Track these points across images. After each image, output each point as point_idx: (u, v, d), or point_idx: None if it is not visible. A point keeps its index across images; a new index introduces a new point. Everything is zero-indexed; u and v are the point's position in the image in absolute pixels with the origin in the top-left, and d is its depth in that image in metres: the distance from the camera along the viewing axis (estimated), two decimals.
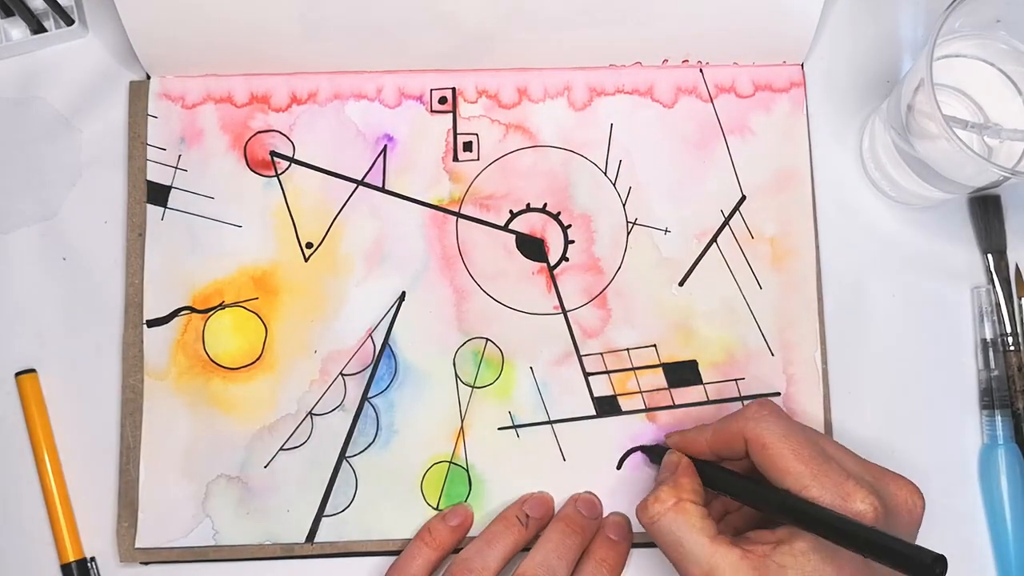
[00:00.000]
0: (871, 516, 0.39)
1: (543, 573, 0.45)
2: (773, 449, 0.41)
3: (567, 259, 0.51)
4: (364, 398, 0.50)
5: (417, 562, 0.47)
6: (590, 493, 0.49)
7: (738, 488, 0.44)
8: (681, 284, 0.51)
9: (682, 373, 0.50)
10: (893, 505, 0.41)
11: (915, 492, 0.42)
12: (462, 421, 0.50)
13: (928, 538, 0.49)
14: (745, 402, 0.50)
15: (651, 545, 0.49)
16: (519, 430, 0.50)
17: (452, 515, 0.48)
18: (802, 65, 0.52)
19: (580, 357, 0.50)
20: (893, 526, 0.41)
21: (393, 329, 0.50)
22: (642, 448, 0.49)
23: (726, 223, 0.51)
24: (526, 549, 0.47)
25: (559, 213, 0.51)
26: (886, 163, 0.50)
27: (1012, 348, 0.50)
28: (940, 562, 0.35)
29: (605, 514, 0.49)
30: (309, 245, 0.51)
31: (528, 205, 0.51)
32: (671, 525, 0.41)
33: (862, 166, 0.52)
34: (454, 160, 0.52)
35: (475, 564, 0.45)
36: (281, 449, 0.49)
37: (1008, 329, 0.50)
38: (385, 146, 0.52)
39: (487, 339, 0.50)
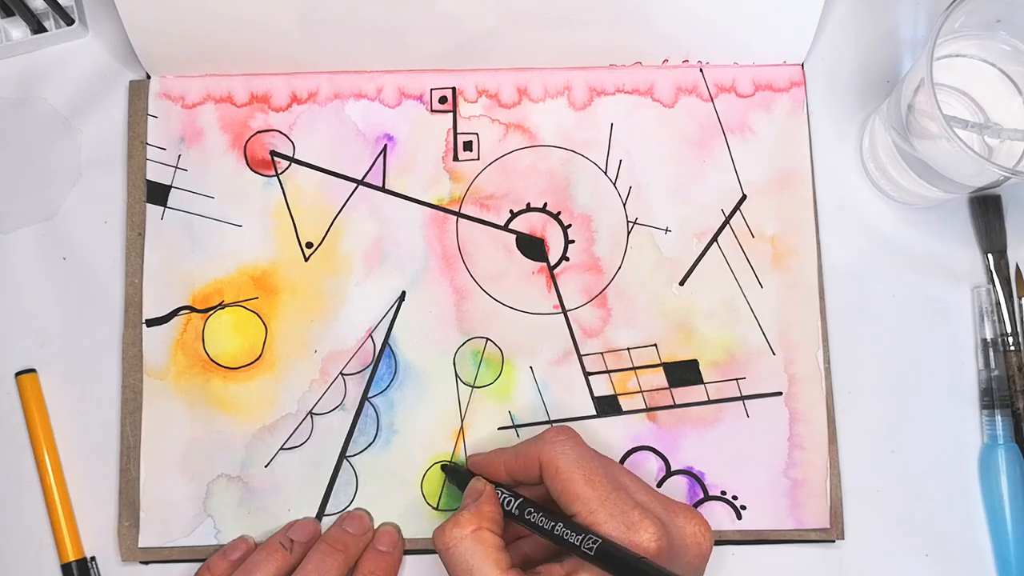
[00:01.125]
0: (654, 547, 0.39)
1: None
2: (565, 473, 0.41)
3: (567, 259, 0.51)
4: (364, 398, 0.50)
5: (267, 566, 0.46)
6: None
7: (528, 515, 0.43)
8: (682, 283, 0.51)
9: (683, 373, 0.50)
10: (680, 538, 0.41)
11: (704, 526, 0.42)
12: (462, 421, 0.50)
13: (929, 538, 0.49)
14: (747, 402, 0.50)
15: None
16: (519, 430, 0.50)
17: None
18: (802, 65, 0.52)
19: (580, 357, 0.50)
20: (678, 559, 0.41)
21: (393, 329, 0.50)
22: (443, 466, 0.49)
23: (727, 222, 0.51)
24: None
25: (559, 213, 0.51)
26: (886, 163, 0.50)
27: (1012, 348, 0.50)
28: None
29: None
30: (309, 245, 0.51)
31: (528, 205, 0.51)
32: (466, 553, 0.41)
33: (862, 166, 0.52)
34: (454, 160, 0.52)
35: None
36: (281, 449, 0.49)
37: (1008, 329, 0.50)
38: (385, 146, 0.52)
39: (487, 339, 0.50)
